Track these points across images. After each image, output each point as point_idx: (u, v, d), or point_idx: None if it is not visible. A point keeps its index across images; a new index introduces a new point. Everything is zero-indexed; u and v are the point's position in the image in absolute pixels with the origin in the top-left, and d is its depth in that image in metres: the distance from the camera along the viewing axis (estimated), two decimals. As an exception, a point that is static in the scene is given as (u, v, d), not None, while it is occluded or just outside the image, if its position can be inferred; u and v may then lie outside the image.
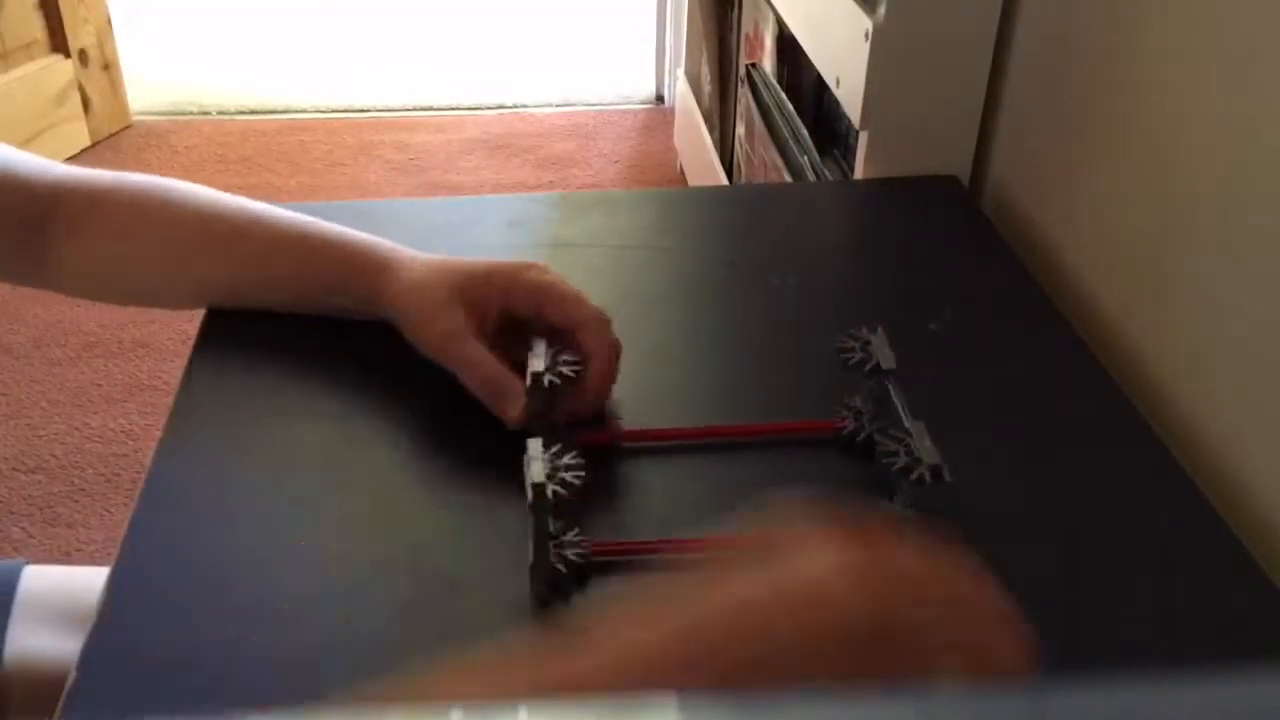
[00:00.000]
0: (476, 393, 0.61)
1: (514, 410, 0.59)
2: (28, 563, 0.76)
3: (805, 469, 0.60)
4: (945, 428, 0.63)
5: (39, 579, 0.75)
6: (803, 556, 0.37)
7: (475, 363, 0.61)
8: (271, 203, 0.69)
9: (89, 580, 0.76)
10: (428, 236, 0.71)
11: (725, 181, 1.66)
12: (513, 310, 0.62)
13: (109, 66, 2.39)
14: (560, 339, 0.61)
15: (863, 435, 0.60)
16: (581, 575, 0.52)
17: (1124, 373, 0.71)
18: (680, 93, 2.08)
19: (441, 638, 0.50)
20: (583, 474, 0.52)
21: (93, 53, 2.34)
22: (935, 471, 0.53)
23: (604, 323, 0.61)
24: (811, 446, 0.61)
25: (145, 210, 0.68)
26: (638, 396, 0.65)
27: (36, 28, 2.24)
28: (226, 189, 0.69)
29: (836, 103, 0.96)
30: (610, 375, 0.62)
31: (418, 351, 0.63)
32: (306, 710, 0.46)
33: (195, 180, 0.69)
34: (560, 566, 0.52)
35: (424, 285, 0.63)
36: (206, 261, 0.68)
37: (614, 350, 0.61)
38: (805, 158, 1.16)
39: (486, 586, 0.53)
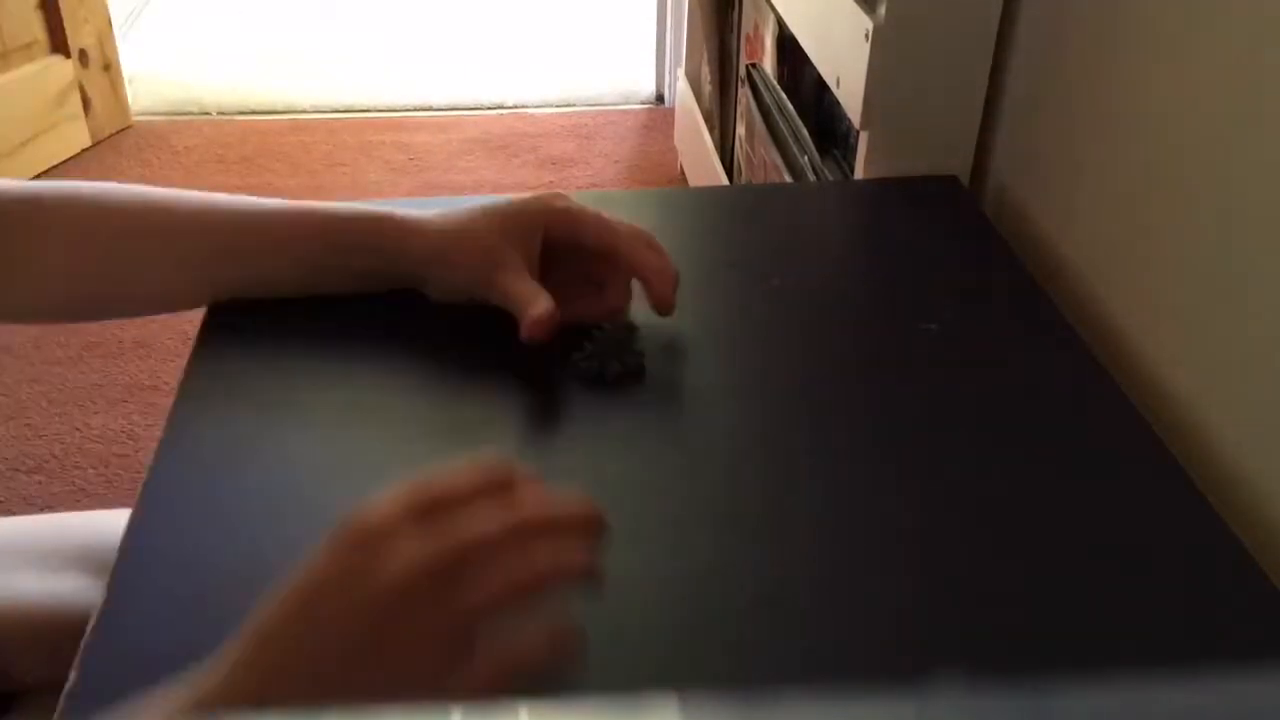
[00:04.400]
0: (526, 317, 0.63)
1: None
2: None
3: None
4: (945, 428, 0.63)
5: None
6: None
7: (533, 293, 0.63)
8: (271, 203, 0.68)
9: (74, 521, 0.78)
10: (428, 236, 0.71)
11: (725, 181, 1.66)
12: (549, 240, 0.65)
13: (109, 67, 2.39)
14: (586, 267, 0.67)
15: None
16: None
17: (1124, 372, 0.71)
18: (680, 93, 2.08)
19: (441, 638, 0.50)
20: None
21: (93, 53, 2.34)
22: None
23: (639, 235, 0.65)
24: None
25: (103, 211, 0.66)
26: (638, 397, 0.65)
27: (36, 28, 2.24)
28: (227, 189, 0.69)
29: (836, 103, 0.97)
30: (668, 275, 0.66)
31: (437, 305, 0.67)
32: (306, 710, 0.46)
33: (196, 181, 0.69)
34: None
35: (466, 231, 0.65)
36: (208, 252, 0.67)
37: (658, 257, 0.66)
38: (805, 158, 1.16)
39: (486, 586, 0.53)
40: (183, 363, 0.66)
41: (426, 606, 0.40)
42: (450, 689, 0.40)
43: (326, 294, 0.69)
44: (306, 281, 0.68)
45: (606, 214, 0.66)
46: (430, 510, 0.41)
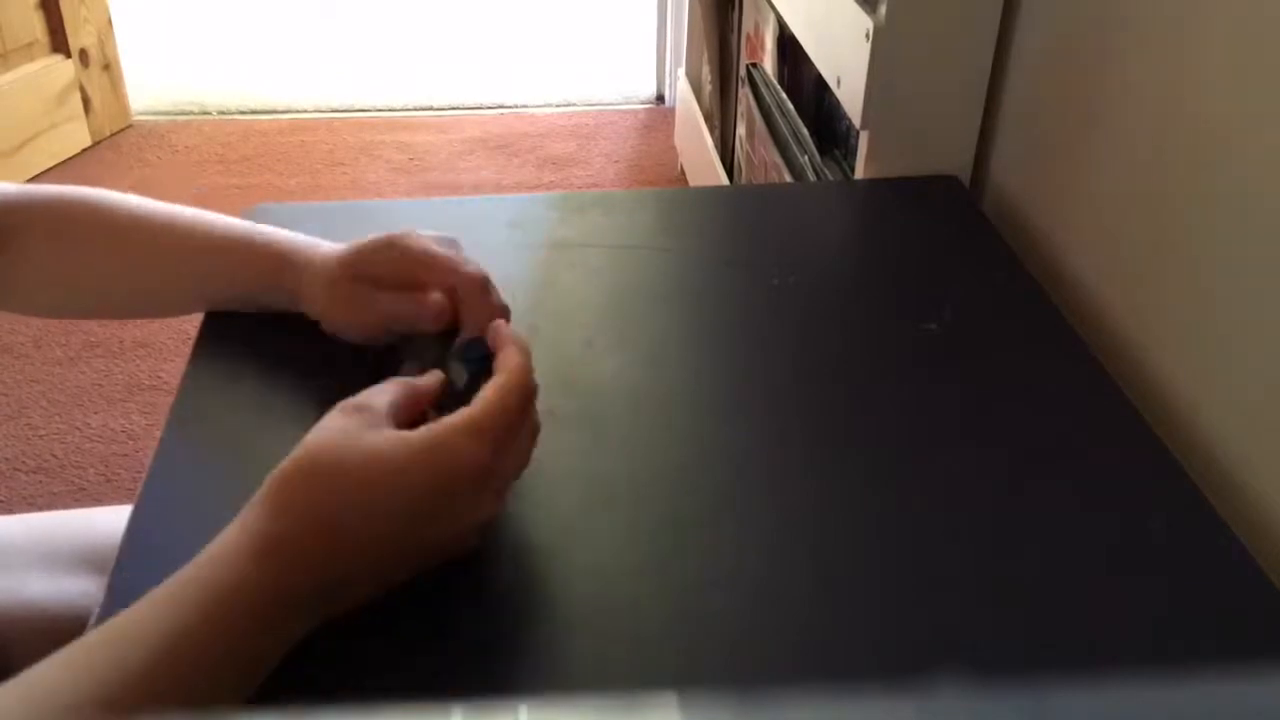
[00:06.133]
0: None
1: None
2: None
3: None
4: (944, 428, 0.63)
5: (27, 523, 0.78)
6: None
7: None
8: (271, 203, 0.69)
9: (75, 518, 0.78)
10: (428, 236, 0.71)
11: (725, 181, 1.66)
12: (400, 276, 0.62)
13: (109, 66, 2.39)
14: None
15: None
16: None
17: (1124, 372, 0.71)
18: (681, 93, 2.08)
19: (440, 636, 0.50)
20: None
21: (93, 53, 2.34)
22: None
23: (480, 283, 0.61)
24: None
25: (74, 221, 0.68)
26: (638, 396, 0.65)
27: (37, 28, 2.24)
28: (227, 189, 0.69)
29: (837, 103, 0.97)
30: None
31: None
32: (306, 710, 0.46)
33: (196, 181, 0.69)
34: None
35: (332, 281, 0.64)
36: (145, 267, 0.68)
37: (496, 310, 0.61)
38: (806, 158, 1.16)
39: (483, 584, 0.53)
40: (183, 363, 0.66)
41: (474, 512, 0.50)
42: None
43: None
44: (245, 303, 0.69)
45: (443, 259, 0.62)
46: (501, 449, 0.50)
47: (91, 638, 0.45)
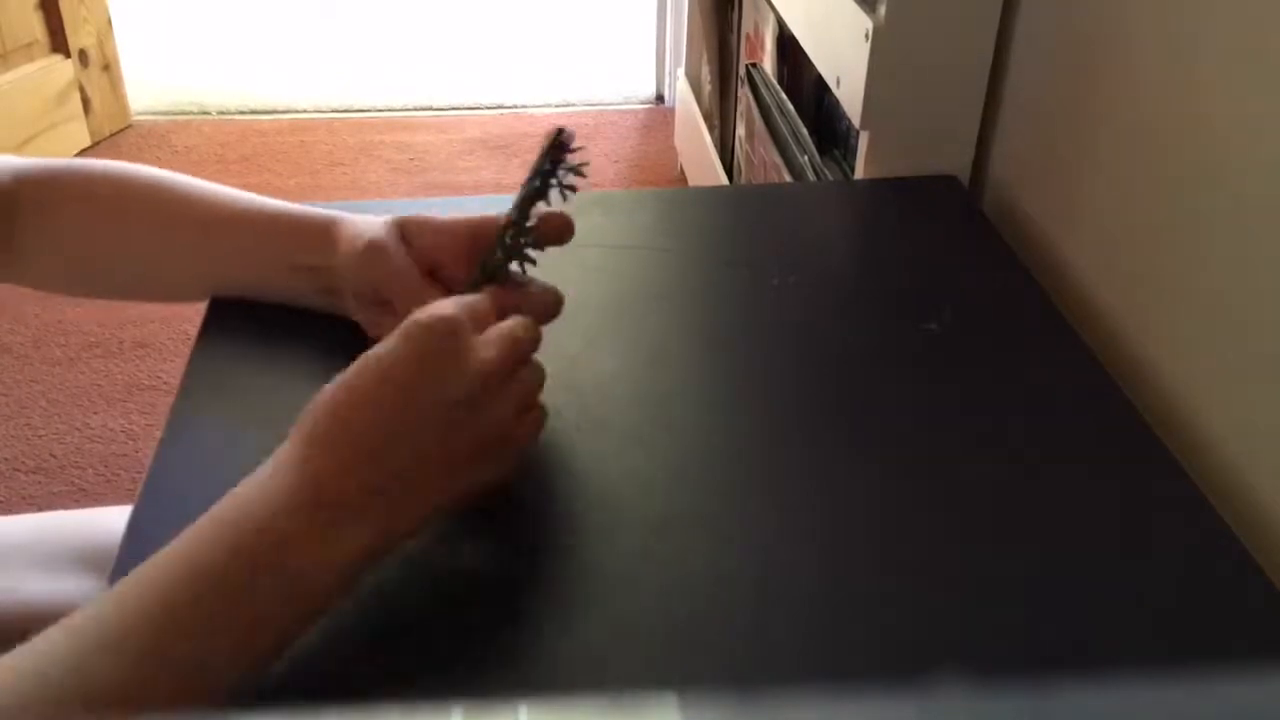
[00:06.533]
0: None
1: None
2: None
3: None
4: (944, 427, 0.63)
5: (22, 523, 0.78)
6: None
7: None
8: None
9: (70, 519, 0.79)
10: (428, 236, 0.71)
11: (725, 181, 1.67)
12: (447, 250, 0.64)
13: (109, 66, 2.39)
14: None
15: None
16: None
17: (1123, 372, 0.71)
18: (680, 93, 2.08)
19: (441, 637, 0.50)
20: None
21: (93, 53, 2.34)
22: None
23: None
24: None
25: (104, 199, 0.67)
26: (638, 396, 0.65)
27: (36, 28, 2.24)
28: (226, 188, 0.69)
29: (837, 103, 0.97)
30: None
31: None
32: (307, 710, 0.46)
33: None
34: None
35: (374, 230, 0.64)
36: (179, 237, 0.68)
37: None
38: (805, 158, 1.16)
39: (487, 586, 0.53)
40: (183, 363, 0.66)
41: (491, 405, 0.50)
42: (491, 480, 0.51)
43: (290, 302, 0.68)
44: (254, 285, 0.68)
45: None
46: (480, 319, 0.51)
47: (119, 587, 0.45)
